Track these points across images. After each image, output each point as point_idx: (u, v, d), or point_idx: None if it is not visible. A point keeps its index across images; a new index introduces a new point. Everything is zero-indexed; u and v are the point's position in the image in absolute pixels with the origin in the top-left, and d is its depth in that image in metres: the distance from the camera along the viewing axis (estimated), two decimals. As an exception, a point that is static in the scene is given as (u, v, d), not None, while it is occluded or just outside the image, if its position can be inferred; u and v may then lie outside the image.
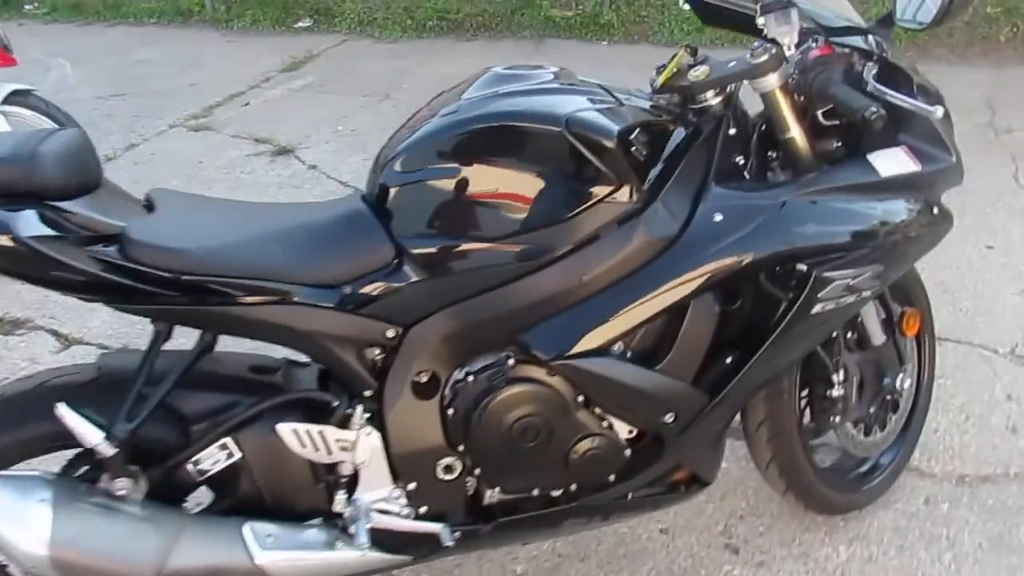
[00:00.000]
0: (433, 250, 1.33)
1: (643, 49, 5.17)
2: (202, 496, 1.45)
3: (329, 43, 5.78)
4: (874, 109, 1.25)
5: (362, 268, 1.33)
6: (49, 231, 1.18)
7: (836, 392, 1.64)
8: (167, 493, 1.37)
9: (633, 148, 1.31)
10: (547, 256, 1.32)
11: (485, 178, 1.31)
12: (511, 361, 1.38)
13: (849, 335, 1.67)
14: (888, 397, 1.77)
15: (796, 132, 1.44)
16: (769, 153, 1.52)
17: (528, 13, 5.54)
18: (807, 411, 1.70)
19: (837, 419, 1.67)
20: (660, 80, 1.49)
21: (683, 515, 1.90)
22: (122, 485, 1.28)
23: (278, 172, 3.80)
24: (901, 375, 1.74)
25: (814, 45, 1.41)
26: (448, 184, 1.31)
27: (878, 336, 1.68)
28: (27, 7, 7.32)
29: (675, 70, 1.47)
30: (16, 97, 3.17)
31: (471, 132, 1.32)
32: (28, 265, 1.18)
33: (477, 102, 1.34)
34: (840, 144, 1.50)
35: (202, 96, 4.83)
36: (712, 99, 1.44)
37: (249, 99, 4.77)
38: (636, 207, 1.32)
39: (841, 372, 1.64)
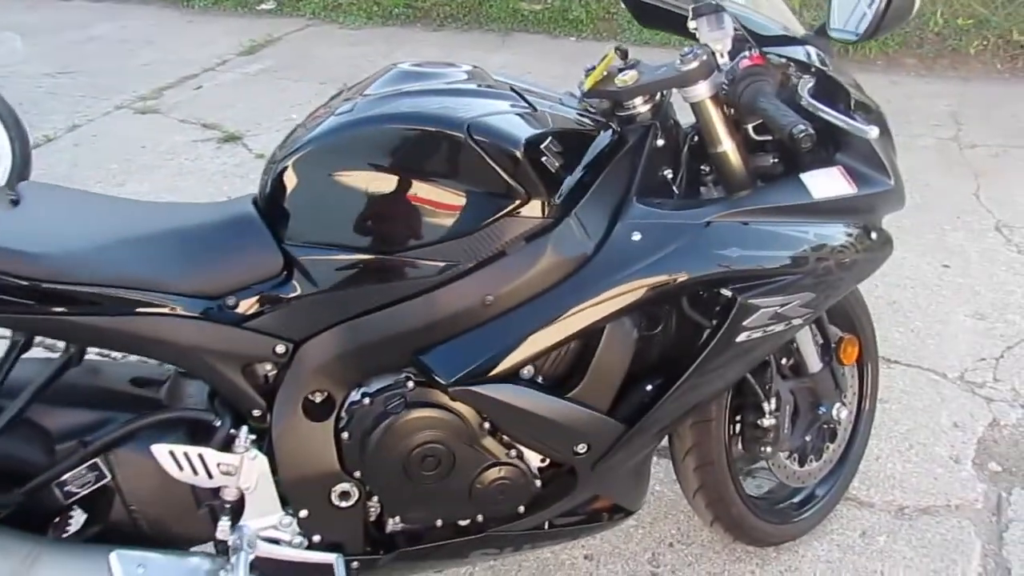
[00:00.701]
0: (325, 261, 1.22)
1: (611, 46, 5.07)
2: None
3: (292, 27, 5.61)
4: (803, 127, 1.15)
5: (247, 278, 1.21)
6: None
7: (768, 421, 1.55)
8: (31, 517, 1.25)
9: (544, 158, 1.20)
10: (449, 272, 1.21)
11: (381, 185, 1.20)
12: (410, 384, 1.27)
13: (784, 361, 1.58)
14: (825, 426, 1.68)
15: (728, 146, 1.35)
16: (702, 167, 1.43)
17: (496, 5, 5.40)
18: (738, 440, 1.61)
19: (769, 449, 1.58)
20: (587, 83, 1.40)
21: (610, 541, 1.81)
22: (-37, 514, 1.17)
23: (224, 160, 3.66)
24: (838, 404, 1.65)
25: (747, 54, 1.31)
26: (341, 190, 1.20)
27: (814, 363, 1.59)
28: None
29: (604, 73, 1.38)
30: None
31: (367, 134, 1.21)
32: None
33: (376, 100, 1.23)
34: (777, 160, 1.41)
35: (154, 77, 4.66)
36: (640, 107, 1.35)
37: (202, 82, 4.61)
38: (546, 223, 1.22)
39: (773, 400, 1.55)
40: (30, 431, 1.23)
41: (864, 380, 1.81)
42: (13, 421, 1.20)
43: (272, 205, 1.23)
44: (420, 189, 1.19)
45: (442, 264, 1.21)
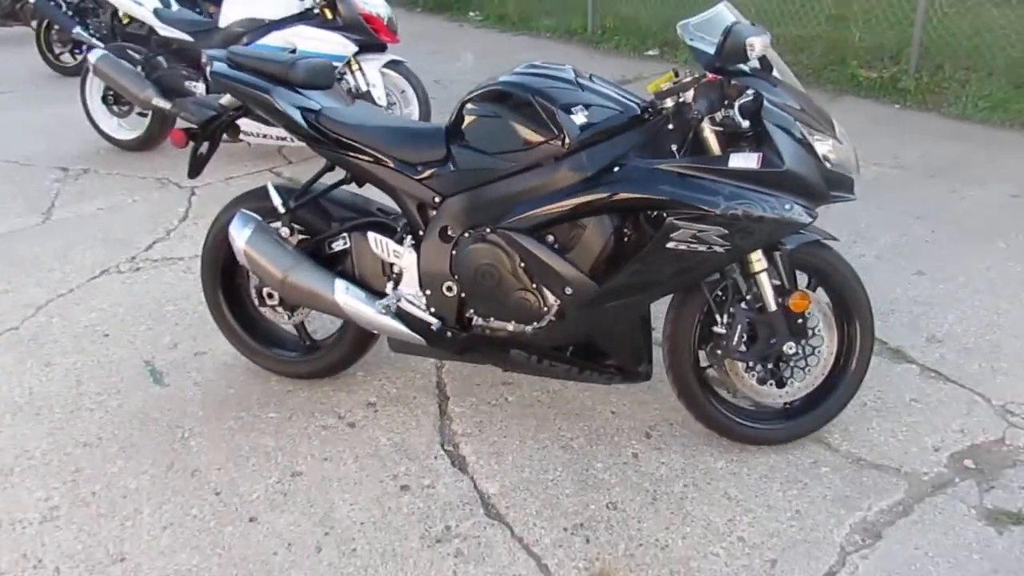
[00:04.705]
0: (463, 155, 2.32)
1: (930, 119, 5.31)
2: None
3: (659, 71, 6.77)
4: (695, 114, 1.97)
5: (429, 158, 2.36)
6: (287, 100, 2.43)
7: (718, 330, 2.26)
8: (313, 253, 2.57)
9: (572, 115, 2.15)
10: (515, 169, 2.23)
11: (493, 120, 2.26)
12: (487, 229, 2.31)
13: (748, 297, 2.26)
14: (778, 358, 2.30)
15: (708, 133, 2.14)
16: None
17: (837, 70, 5.95)
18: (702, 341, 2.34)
19: (719, 352, 2.28)
20: (649, 88, 2.29)
21: (631, 407, 2.61)
22: (284, 233, 2.52)
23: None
24: (790, 343, 2.27)
25: (708, 76, 2.10)
26: (475, 118, 2.30)
27: (771, 304, 2.25)
28: (471, 13, 9.54)
29: (660, 84, 2.26)
30: (393, 64, 4.76)
31: (492, 92, 2.28)
32: (273, 114, 2.45)
33: (507, 75, 2.30)
34: (750, 149, 2.14)
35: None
36: (668, 104, 2.20)
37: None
38: (565, 152, 2.17)
39: (726, 317, 2.25)
40: (321, 210, 2.55)
41: (852, 344, 2.36)
42: (314, 202, 2.53)
43: (451, 124, 2.37)
44: (513, 123, 2.23)
45: (512, 164, 2.23)
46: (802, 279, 2.32)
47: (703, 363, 2.37)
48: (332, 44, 4.52)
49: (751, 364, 2.32)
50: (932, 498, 2.21)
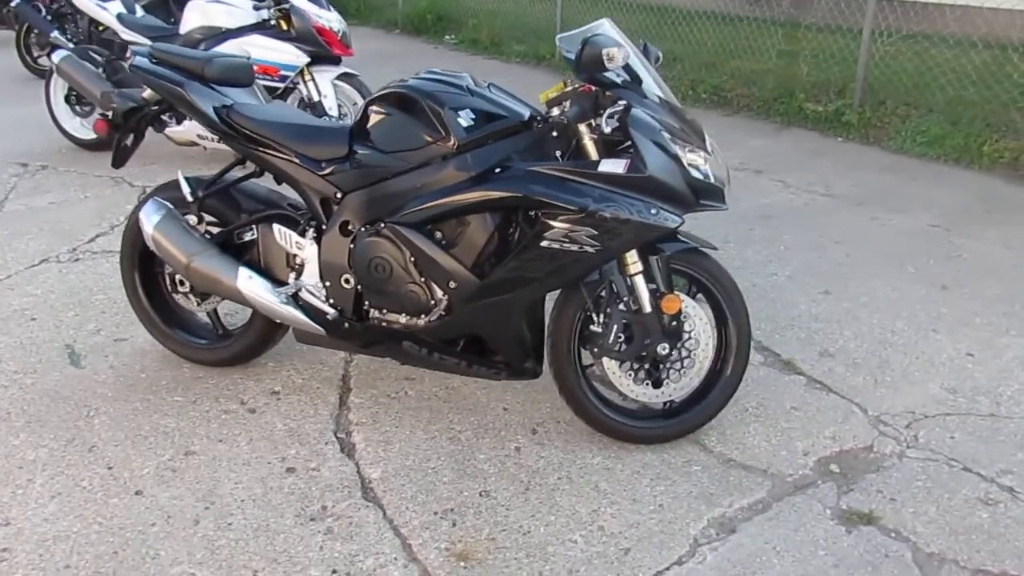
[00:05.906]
0: (363, 153, 2.43)
1: (870, 152, 5.48)
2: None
3: (622, 97, 6.95)
4: (563, 119, 2.10)
5: (332, 155, 2.48)
6: (199, 95, 2.55)
7: (595, 328, 2.37)
8: (224, 243, 2.67)
9: (459, 119, 2.28)
10: (408, 167, 2.35)
11: (391, 119, 2.38)
12: (381, 224, 2.42)
13: (626, 298, 2.37)
14: (654, 359, 2.40)
15: (587, 140, 2.26)
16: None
17: (786, 102, 6.13)
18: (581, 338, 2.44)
19: (596, 350, 2.38)
20: (541, 98, 2.41)
21: (522, 403, 2.70)
22: (192, 221, 2.62)
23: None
24: (664, 344, 2.37)
25: (583, 86, 2.23)
26: (375, 120, 2.42)
27: (645, 306, 2.35)
28: (447, 37, 9.74)
29: (549, 94, 2.38)
30: (346, 77, 4.90)
31: (391, 94, 2.41)
32: (186, 107, 2.57)
33: (410, 79, 2.42)
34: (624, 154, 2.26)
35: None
36: (555, 112, 2.32)
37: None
38: (453, 152, 2.29)
39: (603, 316, 2.36)
40: (233, 202, 2.66)
41: (727, 347, 2.46)
42: (226, 193, 2.64)
43: (356, 124, 2.49)
44: (408, 124, 2.35)
45: (405, 163, 2.35)
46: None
47: (588, 362, 2.47)
48: (284, 54, 4.66)
49: (632, 365, 2.42)
50: (791, 498, 2.31)
